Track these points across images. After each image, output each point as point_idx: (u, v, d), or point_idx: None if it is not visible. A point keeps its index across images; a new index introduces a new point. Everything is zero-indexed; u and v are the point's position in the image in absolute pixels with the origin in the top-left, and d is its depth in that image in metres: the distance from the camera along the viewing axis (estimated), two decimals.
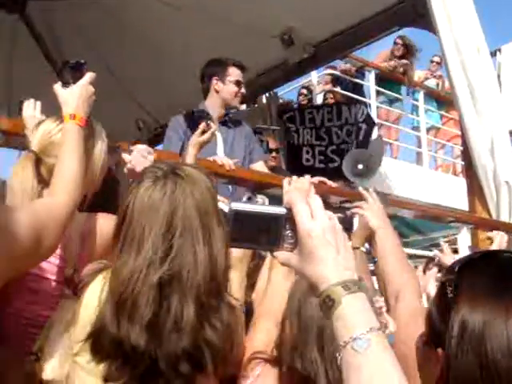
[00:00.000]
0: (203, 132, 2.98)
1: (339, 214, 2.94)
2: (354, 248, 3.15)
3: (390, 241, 2.26)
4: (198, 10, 5.22)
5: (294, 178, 2.41)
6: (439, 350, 1.21)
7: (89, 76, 2.05)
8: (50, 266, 1.93)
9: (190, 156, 2.92)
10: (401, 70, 8.63)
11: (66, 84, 2.02)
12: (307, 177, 2.42)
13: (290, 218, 1.10)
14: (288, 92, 8.65)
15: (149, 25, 5.62)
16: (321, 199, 1.13)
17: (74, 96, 1.99)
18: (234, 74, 4.07)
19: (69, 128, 1.95)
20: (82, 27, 5.66)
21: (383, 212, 2.40)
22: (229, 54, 4.24)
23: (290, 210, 1.10)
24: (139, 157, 2.72)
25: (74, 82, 2.02)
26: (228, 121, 4.14)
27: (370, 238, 3.36)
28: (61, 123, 2.08)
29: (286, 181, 2.36)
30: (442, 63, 8.77)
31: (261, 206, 1.13)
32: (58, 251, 1.92)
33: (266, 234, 1.10)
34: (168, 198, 1.57)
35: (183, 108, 3.81)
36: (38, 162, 2.05)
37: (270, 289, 1.98)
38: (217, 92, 4.06)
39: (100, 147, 2.16)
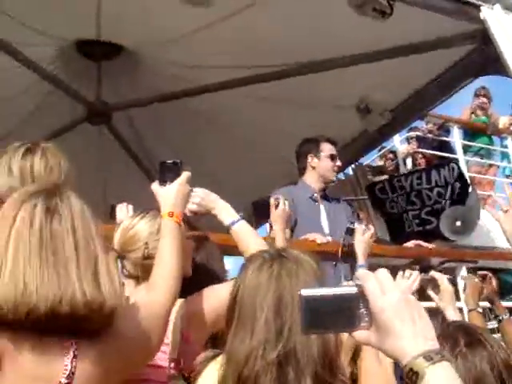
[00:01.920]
0: (276, 207, 3.12)
1: (447, 276, 2.91)
2: (470, 310, 3.04)
3: None
4: (276, 96, 5.37)
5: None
6: None
7: (185, 175, 2.13)
8: (160, 355, 1.95)
9: (277, 232, 2.97)
10: (479, 112, 8.47)
11: (163, 183, 2.11)
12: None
13: (362, 296, 1.08)
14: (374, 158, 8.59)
15: (232, 120, 5.77)
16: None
17: (172, 194, 2.07)
18: (326, 148, 4.21)
19: (168, 225, 2.01)
20: (165, 128, 5.89)
21: None
22: (309, 134, 4.32)
23: (361, 287, 1.08)
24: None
25: (171, 181, 2.10)
26: (328, 195, 4.25)
27: (484, 297, 3.21)
28: (134, 219, 2.19)
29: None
30: None
31: (331, 288, 1.10)
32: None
33: (341, 315, 1.08)
34: (275, 279, 1.61)
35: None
36: (121, 258, 2.14)
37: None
38: (313, 168, 4.19)
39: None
